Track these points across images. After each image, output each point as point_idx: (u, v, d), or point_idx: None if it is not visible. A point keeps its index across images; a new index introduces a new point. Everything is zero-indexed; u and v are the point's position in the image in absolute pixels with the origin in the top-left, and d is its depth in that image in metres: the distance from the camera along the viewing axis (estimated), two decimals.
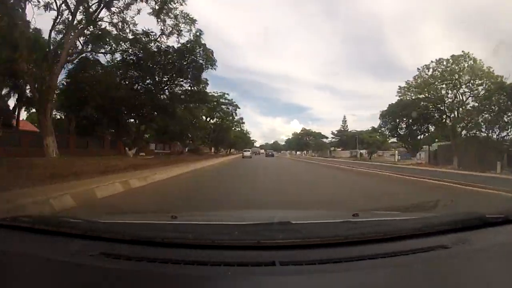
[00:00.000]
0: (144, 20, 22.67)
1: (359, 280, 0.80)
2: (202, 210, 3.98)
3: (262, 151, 74.81)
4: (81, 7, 14.62)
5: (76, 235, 1.01)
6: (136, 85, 19.43)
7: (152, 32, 17.48)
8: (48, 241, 1.01)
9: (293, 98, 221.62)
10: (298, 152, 78.21)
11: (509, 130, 18.31)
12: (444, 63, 22.81)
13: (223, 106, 40.48)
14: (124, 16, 16.35)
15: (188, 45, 17.88)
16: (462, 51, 22.26)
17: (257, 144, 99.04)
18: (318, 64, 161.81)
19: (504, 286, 0.81)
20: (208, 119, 38.67)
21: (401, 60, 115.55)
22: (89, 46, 17.59)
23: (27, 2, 13.29)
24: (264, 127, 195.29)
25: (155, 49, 17.98)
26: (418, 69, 24.30)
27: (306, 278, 0.80)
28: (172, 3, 16.13)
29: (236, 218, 1.64)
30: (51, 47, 14.92)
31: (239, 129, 54.20)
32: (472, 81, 21.98)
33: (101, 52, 18.25)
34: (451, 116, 22.98)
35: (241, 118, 49.27)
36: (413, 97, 25.37)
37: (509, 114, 18.17)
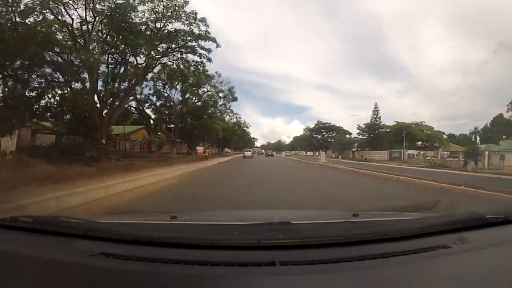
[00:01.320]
0: None
1: (359, 280, 0.80)
2: (202, 210, 3.97)
3: (263, 151, 73.79)
4: None
5: (76, 235, 1.01)
6: None
7: None
8: (48, 241, 1.01)
9: (293, 98, 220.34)
10: (309, 153, 65.76)
11: None
12: None
13: (193, 61, 15.68)
14: None
15: None
16: None
17: (257, 144, 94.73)
18: (318, 64, 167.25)
19: (504, 286, 0.81)
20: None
21: (401, 60, 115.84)
22: None
23: None
24: (264, 127, 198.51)
25: None
26: None
27: (306, 278, 0.80)
28: None
29: (236, 218, 1.65)
30: None
31: (234, 120, 38.31)
32: None
33: None
34: None
35: (231, 89, 25.77)
36: None
37: None
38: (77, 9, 11.54)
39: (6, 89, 10.60)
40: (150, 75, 18.01)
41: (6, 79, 10.57)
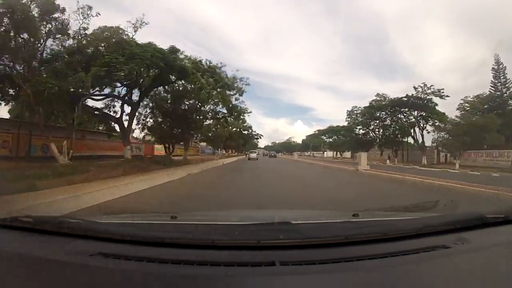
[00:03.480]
0: None
1: (359, 280, 0.80)
2: (202, 210, 3.91)
3: (267, 152, 70.27)
4: None
5: (76, 235, 1.01)
6: None
7: None
8: (48, 241, 1.01)
9: (296, 99, 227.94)
10: (345, 154, 45.72)
11: None
12: None
13: None
14: None
15: None
16: None
17: (261, 145, 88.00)
18: (321, 65, 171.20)
19: (504, 286, 0.81)
20: None
21: (404, 60, 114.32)
22: None
23: None
24: (267, 128, 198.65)
25: None
26: None
27: (306, 278, 0.79)
28: None
29: (236, 218, 1.62)
30: None
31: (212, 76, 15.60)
32: None
33: None
34: None
35: None
36: None
37: None
38: None
39: None
40: None
41: None
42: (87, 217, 1.36)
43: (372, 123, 33.36)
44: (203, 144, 44.35)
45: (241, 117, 22.62)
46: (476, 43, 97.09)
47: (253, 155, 35.51)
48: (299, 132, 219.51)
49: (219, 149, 39.73)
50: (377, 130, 34.69)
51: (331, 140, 50.89)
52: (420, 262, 0.89)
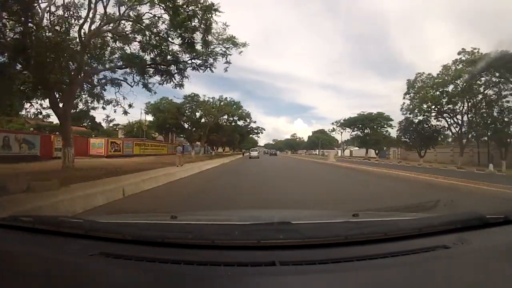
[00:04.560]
0: None
1: (359, 280, 0.80)
2: (202, 210, 3.96)
3: (267, 151, 70.11)
4: None
5: (76, 235, 1.00)
6: None
7: None
8: (48, 241, 1.01)
9: (297, 98, 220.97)
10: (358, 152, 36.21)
11: None
12: None
13: None
14: None
15: None
16: None
17: (261, 143, 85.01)
18: (321, 64, 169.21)
19: (504, 286, 0.80)
20: None
21: (405, 59, 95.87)
22: None
23: None
24: (268, 126, 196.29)
25: None
26: None
27: (306, 278, 0.79)
28: None
29: (236, 218, 1.61)
30: None
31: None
32: None
33: None
34: None
35: None
36: None
37: None
38: None
39: None
40: None
41: None
42: (87, 217, 1.40)
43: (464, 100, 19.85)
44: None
45: (218, 42, 9.70)
46: (477, 41, 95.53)
47: (254, 153, 35.92)
48: (299, 130, 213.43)
49: (198, 146, 26.53)
50: (450, 114, 21.52)
51: (360, 134, 37.67)
52: (421, 262, 0.89)
